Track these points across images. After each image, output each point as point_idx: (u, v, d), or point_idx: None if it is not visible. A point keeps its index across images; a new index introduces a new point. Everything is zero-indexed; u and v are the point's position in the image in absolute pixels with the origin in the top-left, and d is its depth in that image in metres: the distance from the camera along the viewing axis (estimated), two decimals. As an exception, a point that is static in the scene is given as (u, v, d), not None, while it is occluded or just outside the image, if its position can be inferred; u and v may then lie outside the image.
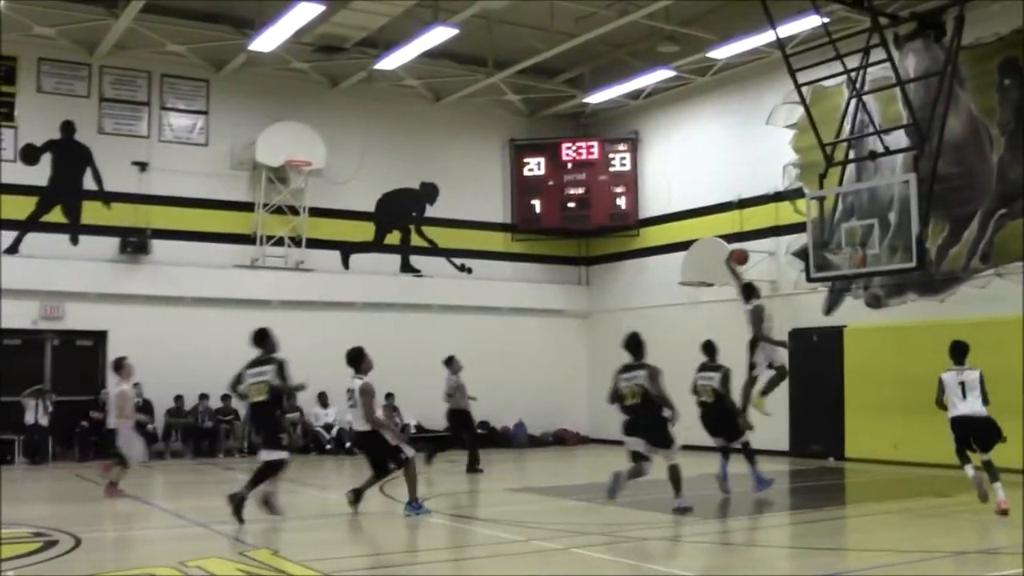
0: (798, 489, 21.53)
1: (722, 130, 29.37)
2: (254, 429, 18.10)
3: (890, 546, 13.14)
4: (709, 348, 18.83)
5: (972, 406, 15.74)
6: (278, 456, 15.17)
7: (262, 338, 16.36)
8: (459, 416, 24.22)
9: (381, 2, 24.28)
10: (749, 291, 20.03)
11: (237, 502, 14.60)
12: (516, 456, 28.36)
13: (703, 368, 18.60)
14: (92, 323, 26.72)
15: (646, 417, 15.85)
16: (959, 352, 16.23)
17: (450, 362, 24.37)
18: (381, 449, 15.89)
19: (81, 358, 26.95)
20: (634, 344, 16.27)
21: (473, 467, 23.50)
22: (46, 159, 26.64)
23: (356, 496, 16.14)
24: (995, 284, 22.52)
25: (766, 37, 23.97)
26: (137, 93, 27.87)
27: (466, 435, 24.40)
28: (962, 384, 15.87)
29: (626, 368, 16.21)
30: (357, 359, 16.75)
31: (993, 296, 22.34)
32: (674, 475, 15.67)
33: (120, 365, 19.26)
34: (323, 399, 28.43)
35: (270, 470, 15.08)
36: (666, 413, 15.75)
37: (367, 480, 16.25)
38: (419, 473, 16.23)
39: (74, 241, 26.71)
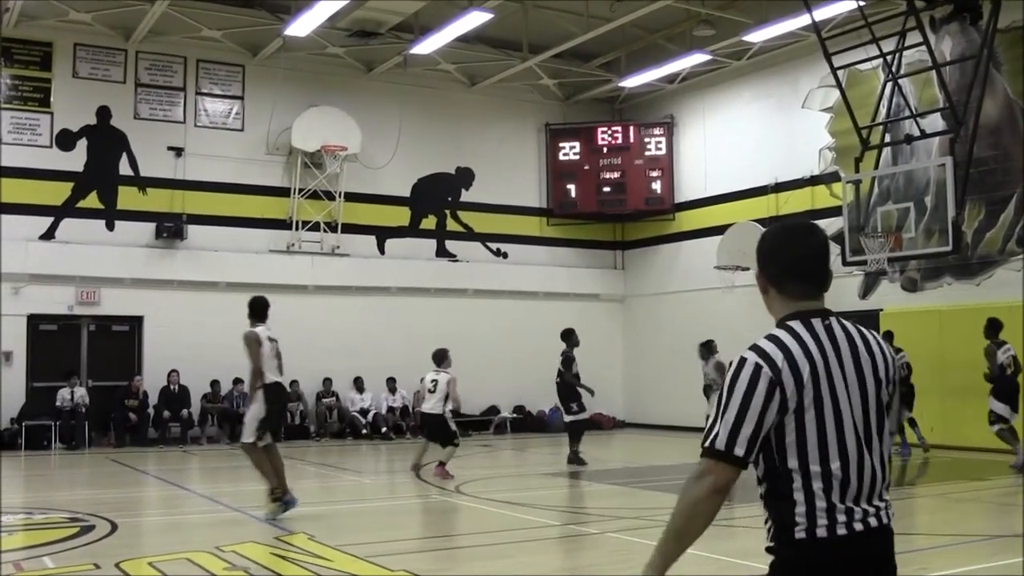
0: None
1: (758, 114, 29.26)
2: None
3: (926, 530, 13.10)
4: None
5: None
6: None
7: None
8: None
9: (415, -13, 24.34)
10: None
11: None
12: (552, 441, 28.38)
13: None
14: (128, 308, 26.85)
15: None
16: None
17: (708, 347, 24.11)
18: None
19: (117, 343, 27.10)
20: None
21: None
22: (82, 145, 26.75)
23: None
24: (1032, 267, 22.42)
25: (802, 20, 23.85)
26: (173, 78, 27.95)
27: None
28: None
29: None
30: None
31: (1030, 279, 22.23)
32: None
33: (443, 356, 19.74)
34: (359, 384, 28.50)
35: None
36: None
37: None
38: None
39: (110, 227, 26.82)
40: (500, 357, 29.86)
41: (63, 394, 25.37)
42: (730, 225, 28.06)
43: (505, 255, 32.18)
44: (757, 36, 26.19)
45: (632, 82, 30.52)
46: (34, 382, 25.74)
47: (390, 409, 28.70)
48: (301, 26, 25.06)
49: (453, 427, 19.08)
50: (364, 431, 28.14)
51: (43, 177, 26.05)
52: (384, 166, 29.91)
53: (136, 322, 27.11)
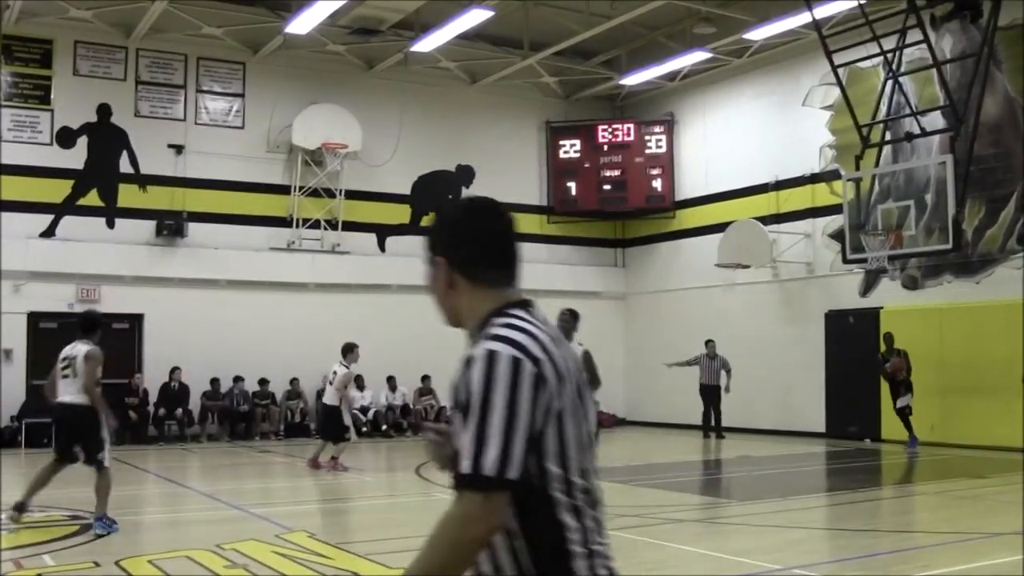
0: (834, 470, 21.47)
1: (758, 111, 29.24)
2: None
3: (926, 527, 13.10)
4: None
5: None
6: None
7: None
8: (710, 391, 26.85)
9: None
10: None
11: None
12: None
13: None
14: (128, 306, 26.81)
15: None
16: None
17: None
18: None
19: (117, 341, 27.03)
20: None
21: (719, 435, 26.08)
22: (82, 142, 26.71)
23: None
24: (1032, 265, 22.42)
25: (802, 18, 23.86)
26: (173, 76, 27.92)
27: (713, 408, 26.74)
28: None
29: None
30: None
31: (1031, 277, 22.24)
32: None
33: (349, 349, 20.25)
34: (359, 382, 28.45)
35: None
36: None
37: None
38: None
39: (110, 224, 26.80)
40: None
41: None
42: (731, 223, 28.04)
43: (506, 253, 32.05)
44: (758, 34, 26.20)
45: (633, 80, 30.50)
46: (34, 380, 25.63)
47: (390, 407, 28.70)
48: (302, 24, 25.05)
49: (347, 422, 19.55)
50: (364, 429, 28.09)
51: (43, 175, 26.02)
52: (385, 164, 29.88)
53: (136, 320, 27.06)
